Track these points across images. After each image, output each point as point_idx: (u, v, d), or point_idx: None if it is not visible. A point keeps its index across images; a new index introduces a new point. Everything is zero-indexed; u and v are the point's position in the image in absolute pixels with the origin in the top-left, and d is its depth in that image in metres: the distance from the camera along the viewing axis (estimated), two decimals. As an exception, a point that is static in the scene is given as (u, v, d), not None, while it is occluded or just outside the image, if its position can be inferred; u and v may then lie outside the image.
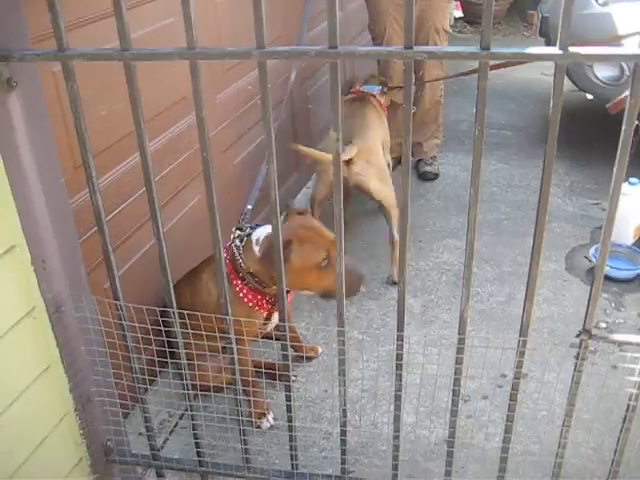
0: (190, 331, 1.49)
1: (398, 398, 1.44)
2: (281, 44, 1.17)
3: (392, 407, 1.46)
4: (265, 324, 2.00)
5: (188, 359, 1.51)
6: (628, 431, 1.37)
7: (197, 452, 1.62)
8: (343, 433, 1.50)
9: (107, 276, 1.42)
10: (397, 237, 2.71)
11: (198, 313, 1.51)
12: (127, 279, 1.70)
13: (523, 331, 1.32)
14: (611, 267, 2.67)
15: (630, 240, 2.92)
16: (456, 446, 1.49)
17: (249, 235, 1.91)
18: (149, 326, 1.54)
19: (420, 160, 3.78)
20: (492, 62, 1.11)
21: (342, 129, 1.16)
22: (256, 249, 1.87)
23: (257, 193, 2.15)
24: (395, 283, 2.73)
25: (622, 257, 2.82)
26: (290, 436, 1.54)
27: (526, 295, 1.29)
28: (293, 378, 2.22)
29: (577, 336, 1.29)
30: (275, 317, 1.98)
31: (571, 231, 3.14)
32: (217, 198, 1.29)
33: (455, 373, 1.38)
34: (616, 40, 2.78)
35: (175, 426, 2.10)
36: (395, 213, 2.72)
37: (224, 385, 1.99)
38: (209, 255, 1.98)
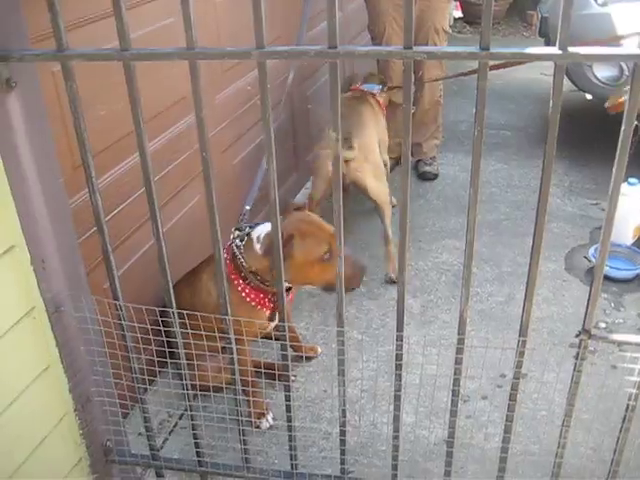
0: (190, 331, 1.49)
1: (397, 398, 1.44)
2: (281, 44, 1.17)
3: (391, 407, 1.46)
4: (268, 322, 2.00)
5: (187, 359, 1.51)
6: (628, 431, 1.37)
7: (196, 452, 1.62)
8: (342, 433, 1.50)
9: (106, 276, 1.42)
10: (390, 234, 2.71)
11: (198, 313, 1.51)
12: (126, 279, 1.69)
13: (523, 331, 1.32)
14: (610, 267, 2.67)
15: (629, 240, 2.93)
16: (455, 446, 1.49)
17: (249, 234, 1.91)
18: (149, 326, 1.54)
19: (419, 160, 3.78)
20: (491, 62, 1.11)
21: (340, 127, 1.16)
22: (257, 247, 1.87)
23: (255, 193, 2.15)
24: (393, 281, 2.73)
25: (621, 257, 2.82)
26: (289, 436, 1.54)
27: (525, 295, 1.29)
28: (292, 378, 2.21)
29: (576, 336, 1.29)
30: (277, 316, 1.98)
31: (570, 231, 3.15)
32: (216, 198, 1.29)
33: (455, 373, 1.38)
34: (615, 40, 2.78)
35: (174, 426, 2.10)
36: (388, 210, 2.74)
37: (223, 385, 1.99)
38: (209, 255, 1.98)
